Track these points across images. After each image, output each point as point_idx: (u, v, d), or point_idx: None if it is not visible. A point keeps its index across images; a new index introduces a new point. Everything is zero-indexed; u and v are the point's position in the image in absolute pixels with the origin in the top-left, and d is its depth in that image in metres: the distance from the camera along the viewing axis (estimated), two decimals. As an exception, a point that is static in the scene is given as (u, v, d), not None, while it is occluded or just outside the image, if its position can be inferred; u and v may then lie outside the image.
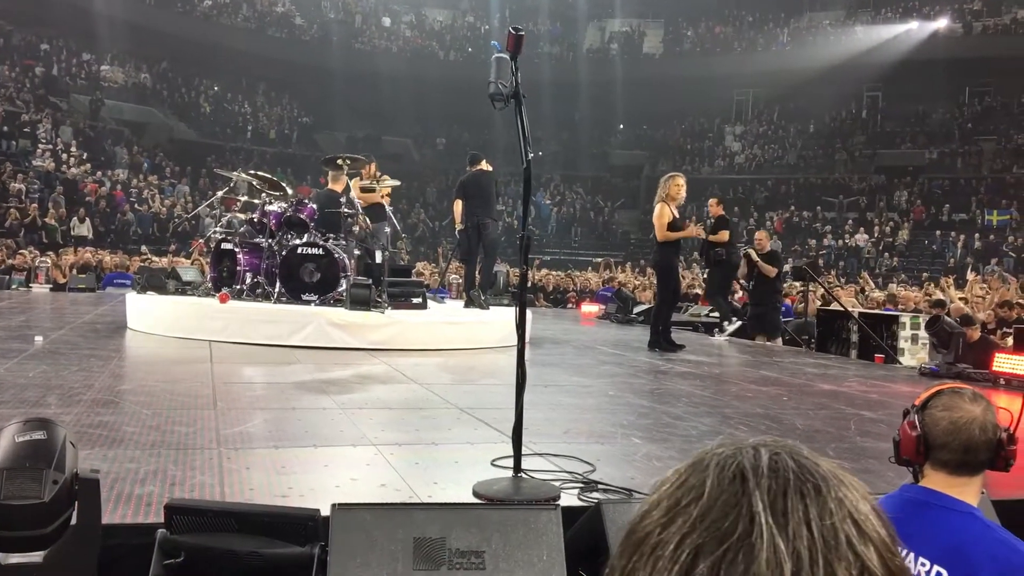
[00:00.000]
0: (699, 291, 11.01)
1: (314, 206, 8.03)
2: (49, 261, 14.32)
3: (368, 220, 8.64)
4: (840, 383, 6.32)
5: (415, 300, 7.85)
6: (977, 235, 23.87)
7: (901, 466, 1.97)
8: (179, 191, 23.80)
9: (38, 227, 18.49)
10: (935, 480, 1.83)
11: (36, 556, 1.95)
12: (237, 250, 7.97)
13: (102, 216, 20.65)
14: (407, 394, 5.01)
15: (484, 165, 8.90)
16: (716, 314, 10.42)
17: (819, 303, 11.44)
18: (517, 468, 2.90)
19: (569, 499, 2.78)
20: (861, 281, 16.19)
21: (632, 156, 31.80)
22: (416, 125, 31.89)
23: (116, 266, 15.51)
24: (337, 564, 2.09)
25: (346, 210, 7.87)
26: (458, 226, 8.98)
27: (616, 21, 33.91)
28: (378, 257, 8.20)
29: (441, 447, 3.56)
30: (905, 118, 28.99)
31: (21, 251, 15.22)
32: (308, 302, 7.47)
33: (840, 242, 25.21)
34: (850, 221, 25.96)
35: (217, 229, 8.65)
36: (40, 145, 21.99)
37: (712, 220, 10.17)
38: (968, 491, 1.82)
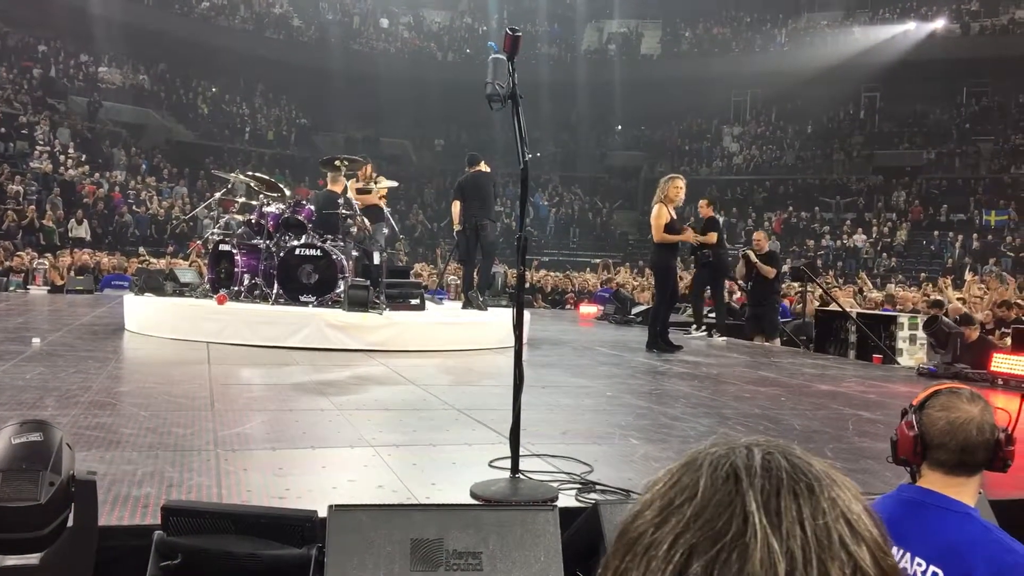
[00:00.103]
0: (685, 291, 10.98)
1: (312, 207, 8.01)
2: (47, 263, 14.30)
3: (366, 221, 8.63)
4: (838, 383, 6.33)
5: (413, 301, 7.84)
6: (975, 235, 23.87)
7: (899, 466, 1.97)
8: (177, 193, 23.77)
9: (36, 229, 18.47)
10: (932, 480, 1.83)
11: (32, 558, 1.95)
12: (235, 251, 7.96)
13: (100, 218, 20.63)
14: (405, 395, 5.00)
15: (482, 166, 8.89)
16: (713, 315, 10.41)
17: (817, 303, 11.44)
18: (515, 469, 2.90)
19: (567, 500, 2.78)
20: (859, 281, 16.20)
21: (630, 157, 31.80)
22: (414, 126, 31.87)
23: (114, 268, 15.49)
24: (334, 565, 2.09)
25: (344, 211, 7.86)
26: (456, 227, 8.96)
27: (614, 22, 33.89)
28: (376, 258, 8.20)
29: (439, 448, 3.56)
30: (903, 118, 29.00)
31: (19, 253, 15.21)
32: (306, 303, 7.46)
33: (838, 242, 25.22)
34: (848, 221, 25.97)
35: (215, 230, 8.65)
36: (38, 147, 21.97)
37: (701, 221, 10.15)
38: (965, 491, 1.81)
